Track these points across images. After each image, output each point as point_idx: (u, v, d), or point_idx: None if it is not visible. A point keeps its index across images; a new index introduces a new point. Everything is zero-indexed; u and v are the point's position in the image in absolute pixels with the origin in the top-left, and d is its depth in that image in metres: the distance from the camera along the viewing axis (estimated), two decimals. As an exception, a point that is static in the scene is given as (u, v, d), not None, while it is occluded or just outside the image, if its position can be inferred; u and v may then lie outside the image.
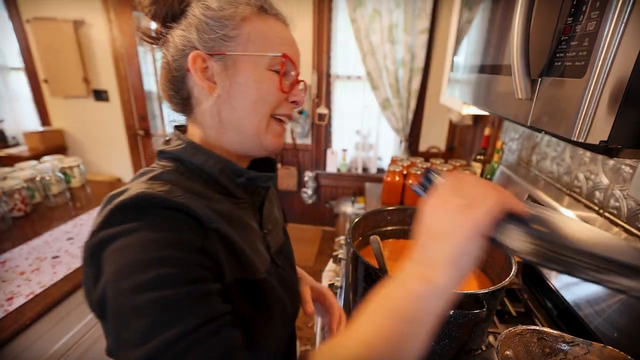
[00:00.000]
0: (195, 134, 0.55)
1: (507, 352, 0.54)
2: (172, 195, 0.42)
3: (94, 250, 0.40)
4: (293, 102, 0.57)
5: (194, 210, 0.43)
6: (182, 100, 0.54)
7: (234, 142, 0.54)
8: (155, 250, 0.38)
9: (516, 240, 0.35)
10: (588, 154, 1.01)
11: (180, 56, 0.51)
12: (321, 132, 2.84)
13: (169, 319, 0.36)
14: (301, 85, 0.60)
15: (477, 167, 1.71)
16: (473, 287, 0.77)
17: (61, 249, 1.27)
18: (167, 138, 0.56)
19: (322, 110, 2.74)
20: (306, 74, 2.67)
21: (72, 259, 1.21)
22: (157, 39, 0.54)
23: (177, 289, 0.37)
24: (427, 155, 2.75)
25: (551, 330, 0.57)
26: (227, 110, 0.52)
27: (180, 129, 0.58)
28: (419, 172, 1.54)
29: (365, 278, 0.69)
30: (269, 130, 0.55)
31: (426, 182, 0.46)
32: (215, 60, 0.51)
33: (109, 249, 0.39)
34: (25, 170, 1.62)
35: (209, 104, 0.52)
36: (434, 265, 0.35)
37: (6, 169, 1.60)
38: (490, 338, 0.82)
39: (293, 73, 0.56)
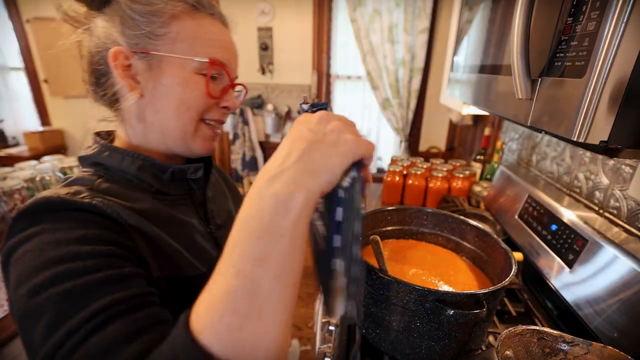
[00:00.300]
0: (121, 133, 0.54)
1: (507, 352, 0.54)
2: (76, 197, 0.41)
3: (3, 261, 0.40)
4: (225, 107, 0.54)
5: (102, 209, 0.41)
6: (106, 96, 0.52)
7: (160, 144, 0.53)
8: (54, 250, 0.37)
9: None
10: (588, 154, 1.01)
11: (103, 49, 0.48)
12: (321, 132, 2.84)
13: (73, 307, 0.34)
14: (238, 89, 0.57)
15: (477, 167, 1.71)
16: (473, 287, 0.77)
17: (61, 249, 1.27)
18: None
19: (322, 110, 2.74)
20: (306, 74, 2.67)
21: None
22: (80, 23, 0.50)
23: (80, 278, 0.35)
24: (427, 155, 2.75)
25: (551, 330, 0.57)
26: (150, 112, 0.50)
27: (101, 133, 0.56)
28: (418, 172, 1.54)
29: (365, 278, 0.69)
30: (197, 134, 0.53)
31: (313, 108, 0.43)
32: (139, 59, 0.48)
33: (12, 258, 0.38)
34: (25, 170, 1.62)
35: (132, 103, 0.50)
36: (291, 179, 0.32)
37: (6, 169, 1.60)
38: (490, 338, 0.82)
39: (226, 77, 0.53)
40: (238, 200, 0.74)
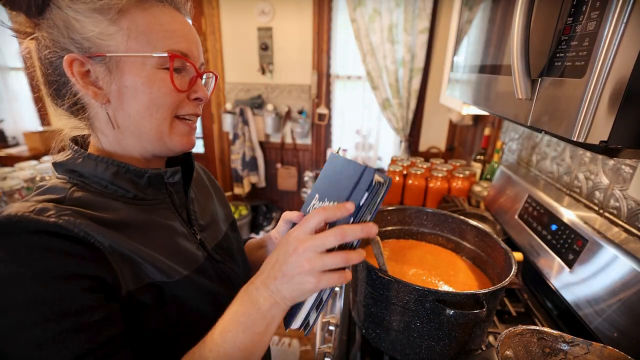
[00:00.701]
0: (94, 141, 0.52)
1: (507, 352, 0.54)
2: (42, 216, 0.39)
3: None
4: (196, 99, 0.52)
5: (68, 229, 0.39)
6: (72, 107, 0.49)
7: (137, 147, 0.51)
8: (13, 288, 0.35)
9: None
10: (588, 154, 1.01)
11: (55, 58, 0.45)
12: (321, 132, 2.84)
13: None
14: (206, 78, 0.54)
15: (477, 167, 1.71)
16: (473, 287, 0.77)
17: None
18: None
19: (322, 110, 2.73)
20: (306, 74, 2.67)
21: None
22: (24, 34, 0.47)
23: (43, 328, 0.35)
24: (427, 155, 2.75)
25: (551, 330, 0.57)
26: (121, 116, 0.48)
27: (77, 138, 0.54)
28: (419, 172, 1.54)
29: (365, 278, 0.69)
30: (173, 132, 0.51)
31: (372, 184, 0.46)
32: (96, 63, 0.45)
33: None
34: (25, 170, 1.62)
35: (101, 111, 0.48)
36: (277, 292, 0.43)
37: (6, 169, 1.60)
38: (490, 338, 0.82)
39: (192, 68, 0.50)
40: (222, 199, 0.74)
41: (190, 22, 0.53)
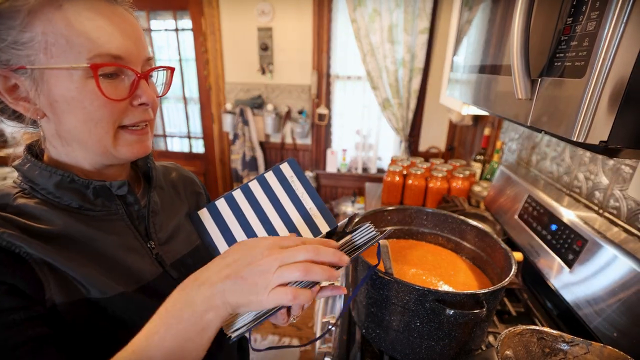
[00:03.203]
0: (48, 147, 0.49)
1: (507, 352, 0.54)
2: None
3: None
4: (142, 104, 0.47)
5: None
6: (17, 118, 0.46)
7: (86, 158, 0.48)
8: None
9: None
10: (588, 154, 1.01)
11: None
12: (321, 132, 2.84)
13: None
14: (153, 79, 0.48)
15: (477, 167, 1.71)
16: (473, 287, 0.77)
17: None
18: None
19: (322, 110, 2.74)
20: (306, 74, 2.67)
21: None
22: None
23: None
24: (427, 156, 2.75)
25: (551, 330, 0.57)
26: (62, 130, 0.44)
27: (36, 143, 0.51)
28: (418, 172, 1.54)
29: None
30: (118, 143, 0.46)
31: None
32: (21, 75, 0.40)
33: None
34: (25, 170, 1.62)
35: (41, 124, 0.45)
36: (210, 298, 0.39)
37: (6, 169, 1.60)
38: (490, 338, 0.82)
39: (129, 72, 0.44)
40: (200, 204, 0.70)
41: (129, 14, 0.46)
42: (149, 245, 0.53)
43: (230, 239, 0.63)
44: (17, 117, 0.46)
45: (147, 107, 0.48)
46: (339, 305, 1.07)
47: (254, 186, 0.65)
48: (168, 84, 0.54)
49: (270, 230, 0.63)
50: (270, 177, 0.66)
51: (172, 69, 0.53)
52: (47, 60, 0.39)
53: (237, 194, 0.65)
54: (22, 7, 0.37)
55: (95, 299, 0.44)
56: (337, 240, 0.48)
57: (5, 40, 0.38)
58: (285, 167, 0.66)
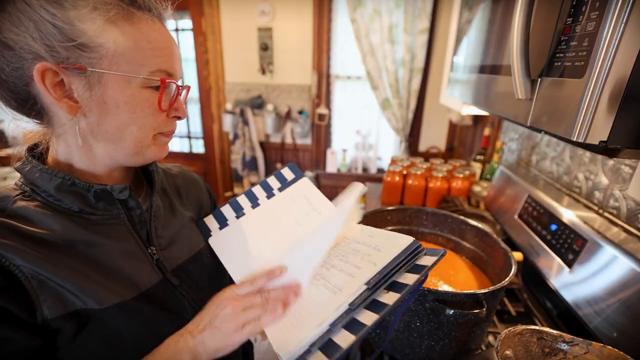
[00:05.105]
0: (51, 148, 0.49)
1: (507, 352, 0.54)
2: None
3: None
4: (175, 117, 0.51)
5: None
6: (32, 113, 0.45)
7: (105, 157, 0.48)
8: None
9: None
10: (588, 154, 1.01)
11: (19, 62, 0.40)
12: (321, 132, 2.84)
13: None
14: (183, 94, 0.52)
15: (477, 167, 1.71)
16: (473, 287, 0.77)
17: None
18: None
19: (322, 110, 2.74)
20: (306, 74, 2.67)
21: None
22: None
23: None
24: (427, 156, 2.75)
25: (551, 330, 0.58)
26: (98, 132, 0.45)
27: (39, 144, 0.50)
28: (418, 172, 1.54)
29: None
30: (154, 143, 0.50)
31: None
32: (74, 75, 0.41)
33: None
34: (25, 170, 1.62)
35: (71, 124, 0.44)
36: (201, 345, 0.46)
37: (6, 169, 1.60)
38: (490, 338, 0.82)
39: (174, 86, 0.49)
40: (203, 208, 0.70)
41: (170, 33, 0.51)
42: (149, 251, 0.53)
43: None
44: (21, 107, 0.45)
45: (177, 119, 0.52)
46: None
47: (258, 190, 0.70)
48: (185, 99, 0.57)
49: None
50: (272, 180, 0.72)
51: (189, 88, 0.56)
52: (110, 66, 0.41)
53: (242, 199, 0.69)
54: (101, 16, 0.40)
55: (91, 309, 0.43)
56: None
57: (75, 41, 0.39)
58: (285, 171, 0.72)
